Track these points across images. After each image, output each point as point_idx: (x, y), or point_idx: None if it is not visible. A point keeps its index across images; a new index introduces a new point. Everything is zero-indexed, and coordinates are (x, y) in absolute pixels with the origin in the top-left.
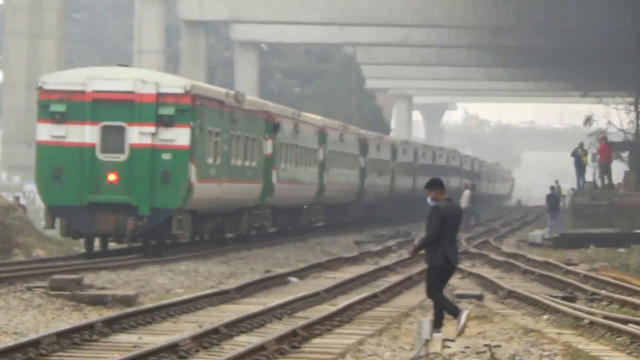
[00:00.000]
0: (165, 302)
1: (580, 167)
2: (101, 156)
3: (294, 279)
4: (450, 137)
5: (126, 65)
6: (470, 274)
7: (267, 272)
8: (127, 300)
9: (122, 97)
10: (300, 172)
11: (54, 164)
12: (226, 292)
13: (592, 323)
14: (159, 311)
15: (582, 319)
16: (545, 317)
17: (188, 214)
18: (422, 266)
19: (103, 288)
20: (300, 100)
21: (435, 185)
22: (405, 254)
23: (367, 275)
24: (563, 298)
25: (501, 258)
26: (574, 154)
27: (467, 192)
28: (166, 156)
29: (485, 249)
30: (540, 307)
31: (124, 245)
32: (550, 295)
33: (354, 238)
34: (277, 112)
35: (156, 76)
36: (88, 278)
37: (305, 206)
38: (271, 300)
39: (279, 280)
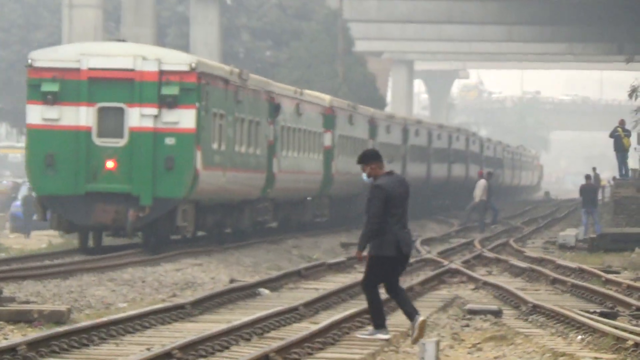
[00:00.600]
0: (104, 319)
1: (621, 150)
2: (98, 141)
3: (265, 291)
4: (462, 113)
5: (123, 40)
6: (486, 284)
7: (231, 281)
8: (57, 317)
9: (120, 75)
10: (304, 160)
11: (46, 150)
12: (181, 306)
13: (637, 345)
14: (97, 330)
15: (624, 340)
16: (579, 337)
17: (192, 205)
18: (425, 273)
19: (27, 302)
20: (272, 67)
21: (370, 157)
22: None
23: (356, 286)
24: (601, 314)
25: (524, 264)
26: (613, 135)
27: (482, 182)
28: (170, 140)
29: (505, 253)
30: (572, 326)
31: (123, 240)
32: (585, 311)
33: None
34: (279, 92)
35: (158, 52)
36: (8, 289)
37: (309, 198)
38: (237, 317)
39: (247, 293)
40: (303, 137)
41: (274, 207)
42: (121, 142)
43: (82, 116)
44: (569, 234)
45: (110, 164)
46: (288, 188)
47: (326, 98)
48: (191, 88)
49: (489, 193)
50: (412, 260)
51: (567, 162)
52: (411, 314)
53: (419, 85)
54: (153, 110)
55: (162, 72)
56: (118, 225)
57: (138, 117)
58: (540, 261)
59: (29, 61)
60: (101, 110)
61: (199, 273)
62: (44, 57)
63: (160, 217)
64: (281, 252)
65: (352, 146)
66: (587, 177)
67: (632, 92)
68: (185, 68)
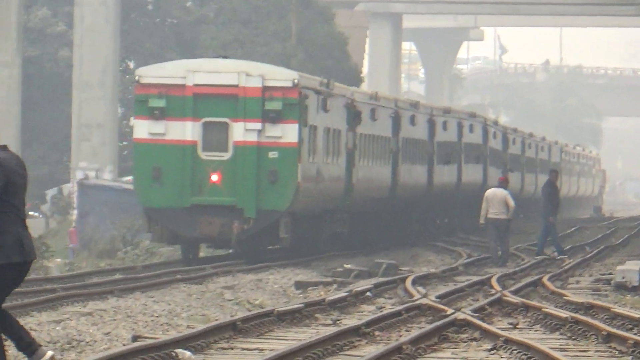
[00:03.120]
0: None
1: None
2: (203, 155)
3: (186, 353)
4: (475, 91)
5: (226, 57)
6: (509, 343)
7: (135, 338)
8: None
9: (225, 91)
10: (377, 169)
11: (152, 164)
12: None
13: None
14: None
15: None
16: None
17: (292, 217)
18: (420, 327)
19: None
20: (195, 24)
21: None
22: (389, 304)
23: (317, 345)
24: None
25: (565, 313)
26: None
27: (502, 193)
28: (273, 154)
29: (537, 297)
30: None
31: (223, 251)
32: None
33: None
34: (360, 99)
35: (262, 68)
36: None
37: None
38: None
39: (158, 356)
40: (377, 144)
41: (351, 219)
42: (226, 156)
43: (187, 131)
44: (631, 268)
45: (214, 177)
46: (364, 198)
47: (391, 98)
48: (293, 103)
49: (547, 206)
50: (400, 306)
51: (627, 162)
52: (31, 345)
53: (410, 50)
54: (257, 125)
55: (265, 88)
56: (223, 237)
57: (242, 132)
58: (588, 309)
59: (136, 77)
60: (206, 125)
61: (87, 327)
62: (151, 74)
63: (264, 229)
64: (211, 296)
65: (414, 150)
66: None
67: None
68: (288, 84)
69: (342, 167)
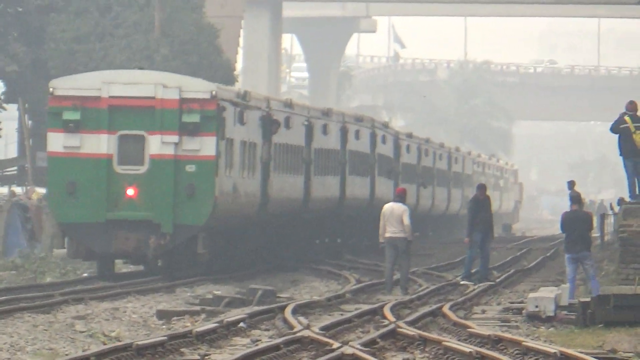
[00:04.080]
0: None
1: (631, 154)
2: (119, 168)
3: None
4: (366, 90)
5: (142, 68)
6: None
7: None
8: None
9: (141, 103)
10: (290, 182)
11: (67, 178)
12: None
13: None
14: None
15: None
16: None
17: (209, 232)
18: None
19: None
20: (41, 13)
21: None
22: (266, 336)
23: None
24: None
25: (469, 348)
26: (618, 127)
27: (399, 209)
28: (190, 168)
29: (436, 329)
30: None
31: (135, 268)
32: None
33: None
34: (276, 107)
35: (179, 80)
36: None
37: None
38: None
39: None
40: (291, 154)
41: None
42: (142, 170)
43: (103, 144)
44: (546, 295)
45: (130, 192)
46: (280, 209)
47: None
48: (212, 115)
49: (469, 224)
50: (279, 339)
51: (542, 173)
52: None
53: (291, 44)
54: (174, 138)
55: (182, 100)
56: (139, 252)
57: (159, 145)
58: (496, 342)
59: (50, 89)
60: (122, 138)
61: None
62: (65, 85)
63: (181, 245)
64: (60, 326)
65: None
66: (575, 198)
67: None
68: (206, 96)
69: (257, 180)
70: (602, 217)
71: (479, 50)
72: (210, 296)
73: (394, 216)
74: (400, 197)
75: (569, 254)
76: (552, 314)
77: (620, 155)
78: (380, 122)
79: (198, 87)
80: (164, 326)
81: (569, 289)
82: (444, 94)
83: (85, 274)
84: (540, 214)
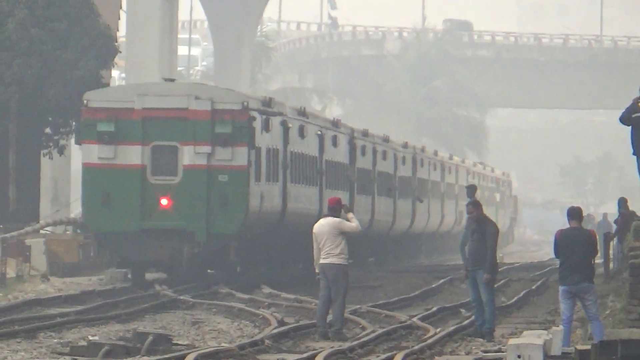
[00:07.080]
0: None
1: None
2: (152, 179)
3: None
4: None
5: (173, 80)
6: None
7: None
8: None
9: (174, 114)
10: (307, 193)
11: (101, 188)
12: None
13: None
14: None
15: None
16: None
17: (241, 241)
18: None
19: None
20: None
21: None
22: None
23: None
24: None
25: None
26: (630, 117)
27: (330, 224)
28: (223, 177)
29: None
30: None
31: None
32: None
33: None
34: (290, 114)
35: (211, 91)
36: None
37: None
38: None
39: None
40: (305, 163)
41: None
42: (175, 180)
43: (136, 155)
44: (531, 342)
45: (164, 202)
46: (297, 219)
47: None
48: (243, 126)
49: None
50: None
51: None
52: None
53: (191, 6)
54: (207, 148)
55: (214, 111)
56: (173, 261)
57: (192, 155)
58: None
59: (84, 101)
60: (155, 149)
61: None
62: (99, 98)
63: (214, 253)
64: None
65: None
66: (573, 212)
67: None
68: (238, 107)
69: (280, 188)
70: (607, 237)
71: (441, 14)
72: (84, 343)
73: (325, 235)
74: (334, 210)
75: (565, 286)
76: None
77: (634, 154)
78: (380, 137)
79: (230, 99)
80: None
81: (564, 333)
82: (395, 72)
83: None
84: (522, 232)
